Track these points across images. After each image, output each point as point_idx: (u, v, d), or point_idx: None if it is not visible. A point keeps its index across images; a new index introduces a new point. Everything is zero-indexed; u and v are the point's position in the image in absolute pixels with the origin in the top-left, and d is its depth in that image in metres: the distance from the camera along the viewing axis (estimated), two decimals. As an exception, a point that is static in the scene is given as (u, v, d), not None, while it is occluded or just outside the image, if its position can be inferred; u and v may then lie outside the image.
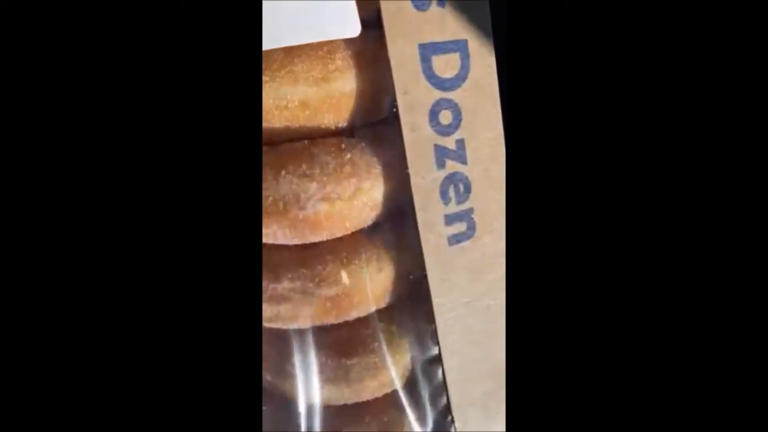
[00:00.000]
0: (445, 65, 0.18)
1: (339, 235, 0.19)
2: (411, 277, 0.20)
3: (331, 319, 0.20)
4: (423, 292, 0.20)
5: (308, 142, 0.18)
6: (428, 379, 0.22)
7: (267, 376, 0.21)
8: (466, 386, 0.21)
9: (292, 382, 0.20)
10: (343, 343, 0.20)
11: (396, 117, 0.18)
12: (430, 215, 0.19)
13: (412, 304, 0.22)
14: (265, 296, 0.19)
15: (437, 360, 0.21)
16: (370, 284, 0.20)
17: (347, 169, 0.18)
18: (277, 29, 0.16)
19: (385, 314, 0.21)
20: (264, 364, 0.21)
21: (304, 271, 0.19)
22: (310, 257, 0.19)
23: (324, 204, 0.18)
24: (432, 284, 0.20)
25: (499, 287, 0.21)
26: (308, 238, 0.18)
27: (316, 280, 0.19)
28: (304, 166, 0.17)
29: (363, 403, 0.22)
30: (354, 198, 0.18)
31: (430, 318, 0.20)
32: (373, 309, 0.21)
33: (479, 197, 0.20)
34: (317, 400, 0.21)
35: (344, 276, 0.19)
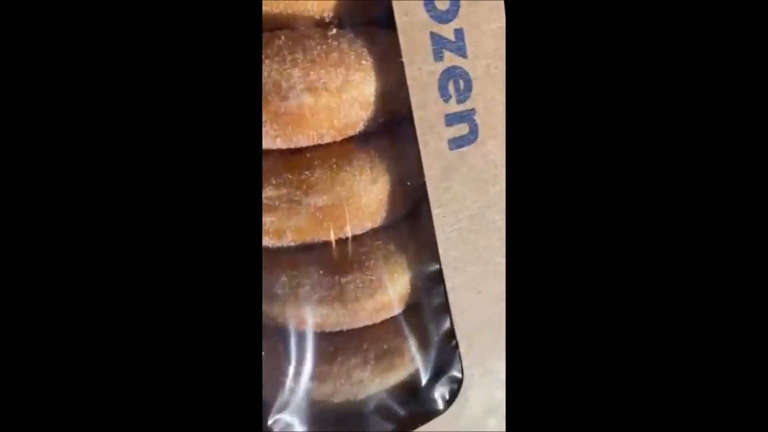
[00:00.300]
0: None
1: (327, 137, 0.17)
2: (408, 183, 0.18)
3: (323, 234, 0.18)
4: (422, 206, 0.19)
5: (291, 30, 0.16)
6: (429, 300, 0.20)
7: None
8: (470, 308, 0.20)
9: (281, 306, 0.19)
10: (337, 260, 0.19)
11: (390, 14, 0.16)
12: (429, 114, 0.17)
13: (410, 219, 0.20)
14: (248, 207, 0.17)
15: (439, 279, 0.19)
16: (364, 195, 0.18)
17: (334, 56, 0.16)
18: None
19: (382, 232, 0.20)
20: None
21: (289, 176, 0.17)
22: (297, 162, 0.17)
23: (308, 95, 0.16)
24: (431, 192, 0.18)
25: (503, 198, 0.19)
26: (293, 137, 0.17)
27: (304, 186, 0.17)
28: (285, 52, 0.15)
29: (360, 329, 0.20)
30: (342, 91, 0.16)
31: (430, 233, 0.19)
32: (369, 226, 0.19)
33: (482, 97, 0.18)
34: (309, 324, 0.19)
35: (334, 184, 0.17)
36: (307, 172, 0.17)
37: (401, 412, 0.20)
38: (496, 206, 0.20)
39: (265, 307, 0.19)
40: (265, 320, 0.19)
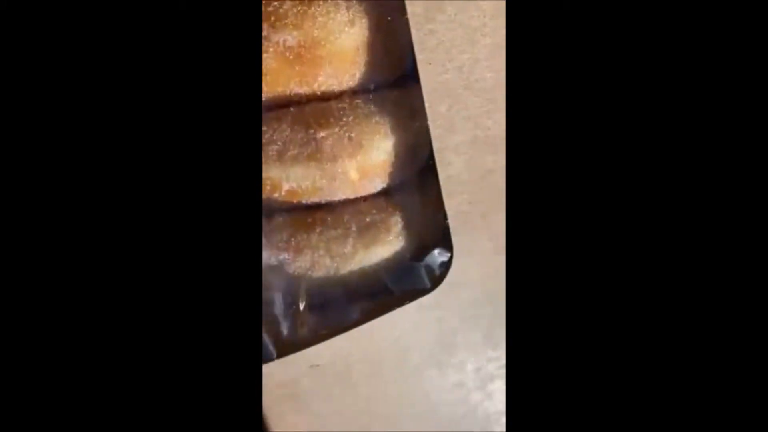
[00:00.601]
0: None
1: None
2: (389, 18, 0.17)
3: (295, 83, 0.17)
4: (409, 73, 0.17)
5: None
6: (417, 174, 0.18)
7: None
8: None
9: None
10: (312, 114, 0.17)
11: None
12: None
13: (396, 87, 0.18)
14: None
15: (426, 143, 0.18)
16: (340, 38, 0.16)
17: None
18: None
19: (362, 93, 0.18)
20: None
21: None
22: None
23: None
24: (414, 35, 0.16)
25: (497, 55, 0.18)
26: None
27: (272, 19, 0.15)
28: None
29: (341, 202, 0.19)
30: None
31: (416, 99, 0.17)
32: (346, 80, 0.17)
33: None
34: (283, 189, 0.17)
35: (305, 18, 0.16)
36: (275, 3, 0.15)
37: (386, 288, 0.19)
38: (486, 62, 0.18)
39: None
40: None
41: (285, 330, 0.18)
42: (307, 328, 0.18)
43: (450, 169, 0.18)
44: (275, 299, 0.18)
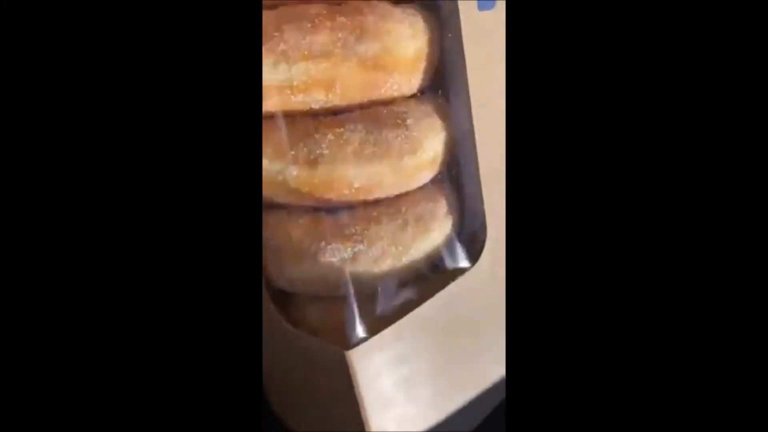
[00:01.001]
0: None
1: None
2: (450, 35, 0.19)
3: (368, 88, 0.18)
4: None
5: None
6: (460, 164, 0.21)
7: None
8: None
9: (328, 167, 0.18)
10: (383, 117, 0.19)
11: None
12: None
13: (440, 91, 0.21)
14: (300, 54, 0.17)
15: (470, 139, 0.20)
16: (407, 49, 0.18)
17: None
18: None
19: (415, 96, 0.20)
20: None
21: (343, 19, 0.17)
22: (348, 9, 0.17)
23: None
24: (466, 44, 0.19)
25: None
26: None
27: (357, 32, 0.17)
28: None
29: (397, 196, 0.20)
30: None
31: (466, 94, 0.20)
32: (406, 84, 0.19)
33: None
34: (354, 187, 0.19)
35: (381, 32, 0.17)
36: (359, 17, 0.17)
37: (436, 267, 0.21)
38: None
39: (306, 172, 0.18)
40: (305, 189, 0.19)
41: (377, 308, 0.19)
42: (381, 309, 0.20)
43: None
44: (351, 290, 0.19)
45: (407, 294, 0.21)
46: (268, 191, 0.19)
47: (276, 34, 0.17)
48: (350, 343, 0.19)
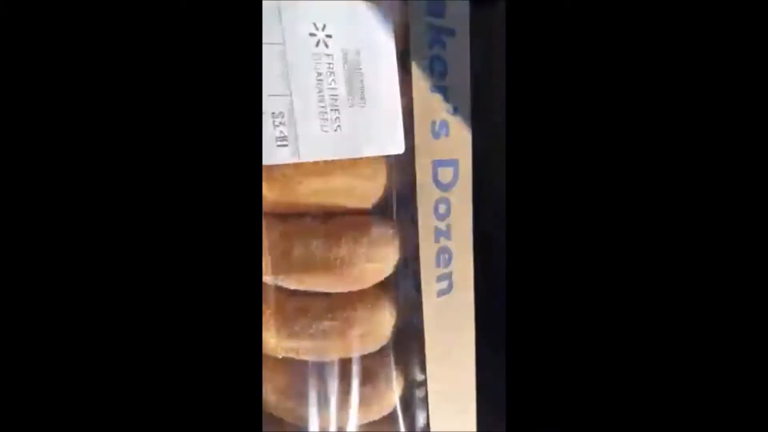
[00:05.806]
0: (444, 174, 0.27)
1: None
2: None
3: (349, 351, 0.26)
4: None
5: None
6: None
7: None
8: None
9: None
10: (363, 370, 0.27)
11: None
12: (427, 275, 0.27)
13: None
14: (308, 332, 0.25)
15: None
16: (384, 328, 0.27)
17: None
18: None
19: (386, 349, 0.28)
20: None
21: (342, 313, 0.25)
22: (344, 304, 0.26)
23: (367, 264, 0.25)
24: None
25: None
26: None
27: (350, 321, 0.25)
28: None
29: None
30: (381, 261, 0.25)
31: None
32: (380, 345, 0.27)
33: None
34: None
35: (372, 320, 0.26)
36: (352, 311, 0.25)
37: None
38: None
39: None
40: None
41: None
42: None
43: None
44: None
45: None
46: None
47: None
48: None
